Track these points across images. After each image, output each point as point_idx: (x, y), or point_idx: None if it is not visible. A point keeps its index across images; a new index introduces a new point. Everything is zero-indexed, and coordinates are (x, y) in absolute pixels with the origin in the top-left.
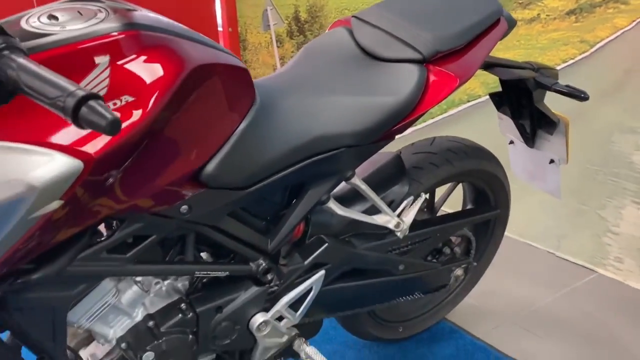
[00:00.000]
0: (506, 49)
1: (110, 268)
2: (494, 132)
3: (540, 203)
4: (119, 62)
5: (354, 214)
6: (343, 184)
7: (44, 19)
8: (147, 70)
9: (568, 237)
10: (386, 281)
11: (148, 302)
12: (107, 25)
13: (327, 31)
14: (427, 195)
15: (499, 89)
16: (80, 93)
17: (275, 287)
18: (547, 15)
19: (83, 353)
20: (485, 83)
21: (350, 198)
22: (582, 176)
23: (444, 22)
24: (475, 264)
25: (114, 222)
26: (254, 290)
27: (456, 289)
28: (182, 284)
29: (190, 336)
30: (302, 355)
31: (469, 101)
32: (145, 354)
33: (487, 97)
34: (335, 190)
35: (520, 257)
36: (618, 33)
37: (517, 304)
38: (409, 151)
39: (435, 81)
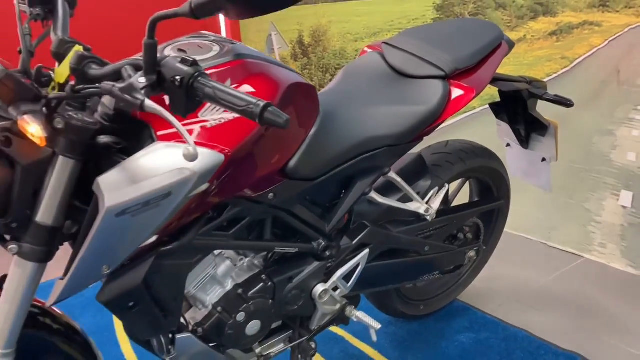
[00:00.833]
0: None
1: (218, 242)
2: (489, 137)
3: (531, 200)
4: (238, 82)
5: (392, 202)
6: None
7: (176, 52)
8: (256, 88)
9: (557, 228)
10: (415, 260)
11: (235, 275)
12: (225, 57)
13: (360, 56)
14: (447, 187)
15: (490, 101)
16: (262, 103)
17: (331, 263)
18: (532, 36)
19: (186, 316)
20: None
21: (386, 189)
22: (568, 174)
23: (459, 46)
24: (484, 247)
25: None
26: (315, 264)
27: (467, 272)
28: (258, 260)
29: (270, 301)
30: (354, 318)
31: (466, 112)
32: (238, 314)
33: (482, 108)
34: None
35: (517, 248)
36: (593, 50)
37: (517, 285)
38: (428, 152)
39: (456, 93)
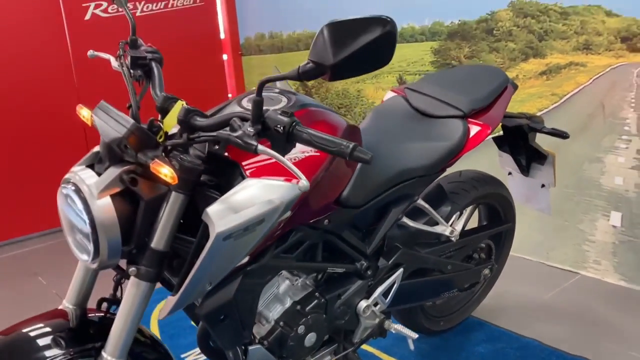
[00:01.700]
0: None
1: (285, 264)
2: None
3: (529, 223)
4: (309, 126)
5: (421, 226)
6: None
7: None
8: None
9: (555, 249)
10: (439, 278)
11: (292, 293)
12: (294, 106)
13: (385, 99)
14: (469, 209)
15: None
16: (351, 144)
17: (371, 282)
18: (523, 75)
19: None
20: None
21: (414, 215)
22: (562, 198)
23: (473, 89)
24: (496, 265)
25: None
26: (359, 283)
27: (480, 289)
28: (309, 280)
29: (324, 315)
30: (392, 330)
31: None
32: (299, 327)
33: None
34: None
35: (519, 268)
36: (580, 87)
37: (523, 301)
38: (445, 181)
39: (474, 130)
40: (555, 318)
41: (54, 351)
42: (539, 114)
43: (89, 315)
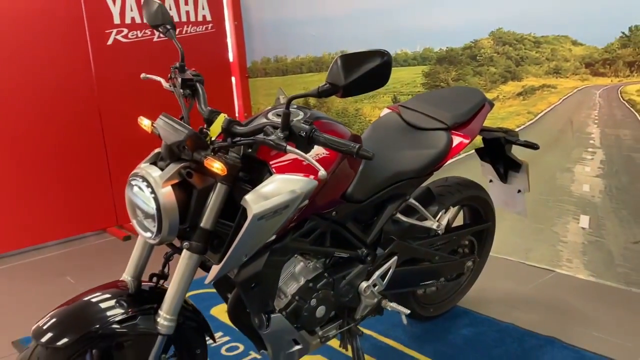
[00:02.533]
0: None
1: (301, 246)
2: (470, 174)
3: (509, 228)
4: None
5: (412, 220)
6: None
7: (276, 117)
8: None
9: (532, 250)
10: (428, 267)
11: (305, 273)
12: (310, 118)
13: (382, 115)
14: (454, 209)
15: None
16: (357, 145)
17: (370, 267)
18: (503, 96)
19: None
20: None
21: (407, 212)
22: (538, 204)
23: (456, 106)
24: (478, 259)
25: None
26: (360, 267)
27: (465, 282)
28: (319, 264)
29: (332, 292)
30: (388, 308)
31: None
32: (311, 300)
33: (465, 154)
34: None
35: (501, 267)
36: (552, 106)
37: (504, 294)
38: (433, 185)
39: (456, 140)
40: (531, 307)
41: (117, 311)
42: (517, 129)
43: (143, 286)
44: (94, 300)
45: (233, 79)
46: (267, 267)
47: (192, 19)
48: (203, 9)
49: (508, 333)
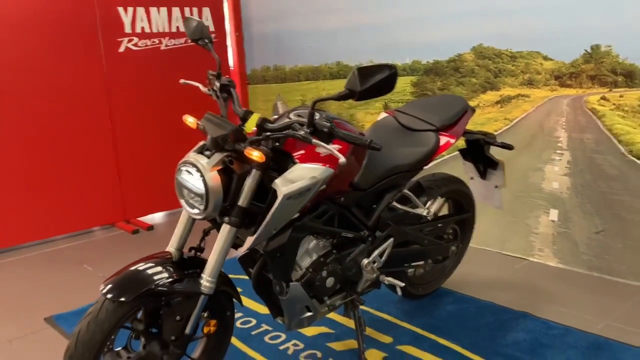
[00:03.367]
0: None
1: (315, 226)
2: (454, 171)
3: (488, 221)
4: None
5: (406, 208)
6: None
7: (297, 117)
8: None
9: (508, 240)
10: (419, 249)
11: (317, 250)
12: (326, 119)
13: (379, 118)
14: (441, 199)
15: (456, 152)
16: (369, 139)
17: (370, 247)
18: (483, 104)
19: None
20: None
21: (401, 201)
22: (513, 200)
23: (443, 112)
24: (461, 245)
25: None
26: (362, 246)
27: (450, 266)
28: (328, 242)
29: (339, 266)
30: (385, 282)
31: (442, 157)
32: (322, 272)
33: (449, 156)
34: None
35: (480, 257)
36: (525, 114)
37: (482, 278)
38: (423, 179)
39: (443, 140)
40: (507, 289)
41: (166, 274)
42: (495, 133)
43: (184, 256)
44: (147, 266)
45: None
46: (289, 240)
47: None
48: (207, 20)
49: (487, 309)
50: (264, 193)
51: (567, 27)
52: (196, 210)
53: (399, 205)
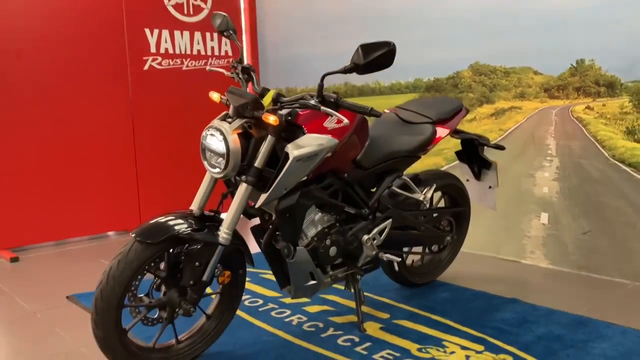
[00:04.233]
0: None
1: (321, 195)
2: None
3: (483, 227)
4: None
5: (405, 193)
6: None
7: (309, 96)
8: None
9: (503, 245)
10: (416, 234)
11: (322, 222)
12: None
13: (383, 114)
14: (435, 185)
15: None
16: (370, 107)
17: (371, 225)
18: (480, 116)
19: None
20: (446, 158)
21: (400, 187)
22: (508, 205)
23: (439, 108)
24: (456, 237)
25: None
26: (363, 223)
27: (445, 259)
28: (332, 216)
29: (341, 237)
30: (384, 258)
31: (449, 164)
32: (326, 241)
33: (448, 166)
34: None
35: (476, 261)
36: (518, 124)
37: (476, 275)
38: (421, 173)
39: (439, 131)
40: (499, 283)
41: (186, 225)
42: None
43: (205, 214)
44: (172, 217)
45: None
46: (298, 203)
47: (216, 53)
48: (225, 45)
49: (479, 295)
50: (277, 162)
51: (555, 45)
52: (217, 169)
53: (398, 190)
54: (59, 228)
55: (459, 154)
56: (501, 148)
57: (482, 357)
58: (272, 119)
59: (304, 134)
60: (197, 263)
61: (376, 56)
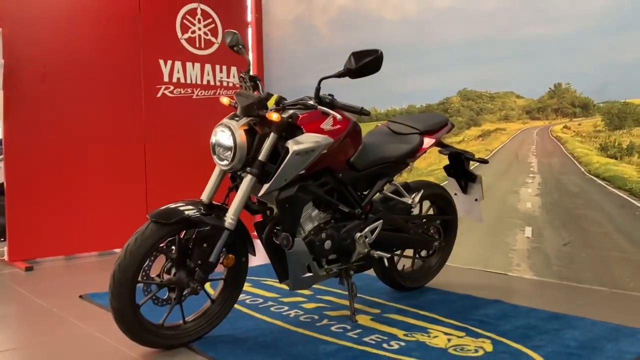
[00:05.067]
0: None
1: (317, 191)
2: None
3: (472, 243)
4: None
5: (395, 196)
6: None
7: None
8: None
9: (490, 259)
10: (405, 237)
11: (318, 218)
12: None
13: (376, 127)
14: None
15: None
16: (361, 107)
17: (363, 225)
18: (468, 138)
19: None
20: (437, 179)
21: (392, 192)
22: (493, 220)
23: (427, 121)
24: (443, 243)
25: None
26: (356, 221)
27: (435, 266)
28: (328, 213)
29: (336, 233)
30: (375, 255)
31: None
32: (322, 235)
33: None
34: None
35: (465, 274)
36: (502, 144)
37: (464, 284)
38: (410, 182)
39: (426, 141)
40: (486, 290)
41: (196, 210)
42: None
43: (214, 203)
44: (183, 203)
45: None
46: (296, 195)
47: (225, 84)
48: (234, 77)
49: (465, 298)
50: (278, 159)
51: (535, 70)
52: (225, 162)
53: (388, 193)
54: (70, 243)
55: (446, 169)
56: (484, 162)
57: (463, 341)
58: (274, 116)
59: (302, 132)
60: (204, 244)
61: (366, 62)
